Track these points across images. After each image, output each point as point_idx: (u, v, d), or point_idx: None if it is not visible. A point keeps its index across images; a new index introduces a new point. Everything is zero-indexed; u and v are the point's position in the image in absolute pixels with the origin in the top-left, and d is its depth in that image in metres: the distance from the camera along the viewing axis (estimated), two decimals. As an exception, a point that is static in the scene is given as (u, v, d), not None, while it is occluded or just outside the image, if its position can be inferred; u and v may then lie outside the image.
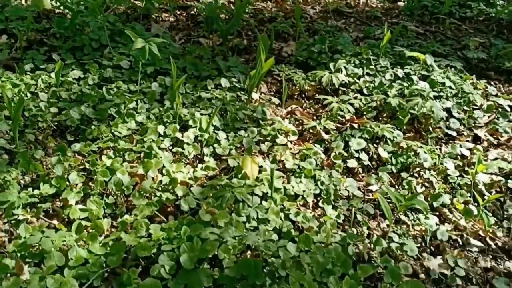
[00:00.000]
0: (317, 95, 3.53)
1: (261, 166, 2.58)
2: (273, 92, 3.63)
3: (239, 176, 2.49)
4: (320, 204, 2.52)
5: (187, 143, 2.72)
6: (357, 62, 3.76)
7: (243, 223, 2.18)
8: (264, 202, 2.33)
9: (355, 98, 3.34)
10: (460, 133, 3.26)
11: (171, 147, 2.73)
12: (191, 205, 2.29)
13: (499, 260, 2.40)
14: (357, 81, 3.58)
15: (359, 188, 2.68)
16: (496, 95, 3.72)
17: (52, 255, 1.93)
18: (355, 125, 3.05)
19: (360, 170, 2.85)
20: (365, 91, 3.52)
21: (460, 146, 3.06)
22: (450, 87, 3.53)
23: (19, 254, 1.97)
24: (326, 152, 2.92)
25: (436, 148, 3.05)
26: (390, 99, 3.24)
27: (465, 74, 3.83)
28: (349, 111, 3.21)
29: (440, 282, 2.21)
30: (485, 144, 3.20)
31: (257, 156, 2.78)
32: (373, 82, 3.56)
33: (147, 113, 2.91)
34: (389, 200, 2.53)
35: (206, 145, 2.76)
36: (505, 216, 2.64)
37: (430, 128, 3.19)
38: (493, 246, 2.45)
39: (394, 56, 3.99)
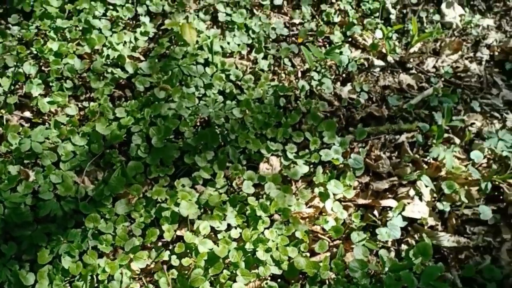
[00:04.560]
0: None
1: (198, 31, 2.87)
2: None
3: (180, 43, 2.82)
4: (253, 53, 2.94)
5: (120, 6, 2.89)
6: None
7: (193, 94, 2.63)
8: (207, 69, 2.73)
9: None
10: None
11: (105, 12, 2.87)
12: (145, 84, 2.65)
13: (395, 74, 3.02)
14: None
15: (285, 24, 3.11)
16: None
17: (45, 155, 2.34)
18: None
19: (285, 3, 3.21)
20: None
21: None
22: None
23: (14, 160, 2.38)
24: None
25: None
26: None
27: None
28: None
29: (350, 105, 2.83)
30: None
31: (190, 8, 3.03)
32: None
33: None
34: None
35: (138, 4, 2.95)
36: (405, 29, 3.22)
37: None
38: (392, 61, 3.05)
39: None
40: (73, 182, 2.27)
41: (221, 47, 2.81)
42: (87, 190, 2.27)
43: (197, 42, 2.74)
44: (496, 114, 2.84)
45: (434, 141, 2.59)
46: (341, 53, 2.92)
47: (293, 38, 3.03)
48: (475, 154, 2.53)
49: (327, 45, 3.04)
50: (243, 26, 2.92)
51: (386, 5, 3.17)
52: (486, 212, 2.33)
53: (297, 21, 3.09)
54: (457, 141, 2.67)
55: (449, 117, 2.61)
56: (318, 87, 2.81)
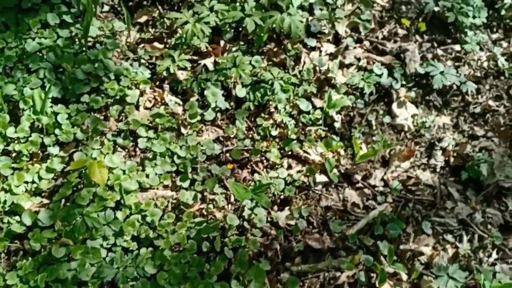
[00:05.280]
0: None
1: (110, 168, 2.50)
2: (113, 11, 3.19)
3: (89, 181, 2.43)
4: (178, 180, 2.60)
5: (24, 138, 2.50)
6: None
7: (100, 246, 2.29)
8: (119, 213, 2.38)
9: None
10: (322, 31, 3.18)
11: (6, 147, 2.50)
12: (42, 242, 2.26)
13: (340, 189, 2.76)
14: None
15: (218, 139, 2.80)
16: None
17: None
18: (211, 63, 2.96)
19: (219, 115, 2.88)
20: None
21: (320, 52, 3.13)
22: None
23: None
24: (183, 94, 2.92)
25: (296, 68, 3.07)
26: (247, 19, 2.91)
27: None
28: (205, 35, 2.94)
29: (288, 232, 2.57)
30: (345, 43, 3.19)
31: (110, 130, 2.68)
32: None
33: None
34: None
35: (46, 134, 2.55)
36: (352, 134, 2.94)
37: (289, 46, 3.08)
38: (336, 180, 2.75)
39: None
40: None
41: (138, 182, 2.48)
42: None
43: (109, 178, 2.42)
44: (449, 237, 2.63)
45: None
46: (277, 176, 2.66)
47: (227, 155, 2.75)
48: (422, 306, 2.33)
49: (265, 161, 2.76)
50: (166, 152, 2.61)
51: (330, 113, 2.89)
52: None
53: (232, 135, 2.80)
54: (404, 277, 2.46)
55: (391, 259, 2.42)
56: (252, 215, 2.53)
